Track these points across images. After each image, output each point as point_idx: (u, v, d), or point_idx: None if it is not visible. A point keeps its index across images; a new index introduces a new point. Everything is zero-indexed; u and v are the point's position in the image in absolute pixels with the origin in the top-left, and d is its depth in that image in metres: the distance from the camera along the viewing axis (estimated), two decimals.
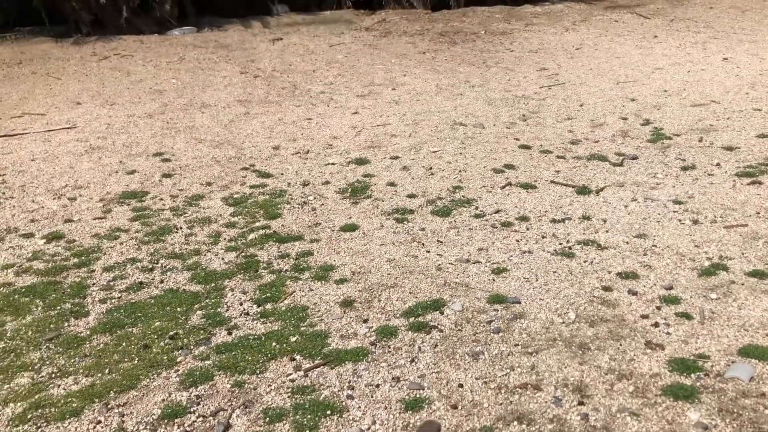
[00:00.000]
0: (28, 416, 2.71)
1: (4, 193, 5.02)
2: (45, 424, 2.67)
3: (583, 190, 4.83)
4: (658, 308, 3.35)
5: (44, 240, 4.31)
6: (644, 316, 3.28)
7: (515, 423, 2.57)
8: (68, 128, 6.45)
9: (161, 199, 4.90)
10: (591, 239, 4.11)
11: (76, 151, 5.85)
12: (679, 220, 4.32)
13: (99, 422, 2.67)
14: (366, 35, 10.30)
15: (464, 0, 11.76)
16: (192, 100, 7.31)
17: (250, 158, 5.66)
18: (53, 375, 2.99)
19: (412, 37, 10.13)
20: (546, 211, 4.53)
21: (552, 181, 5.02)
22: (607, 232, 4.21)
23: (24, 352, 3.17)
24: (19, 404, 2.79)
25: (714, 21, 10.67)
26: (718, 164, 5.21)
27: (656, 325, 3.21)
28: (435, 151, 5.68)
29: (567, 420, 2.57)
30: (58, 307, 3.54)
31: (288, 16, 11.26)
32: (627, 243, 4.05)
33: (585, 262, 3.84)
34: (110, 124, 6.54)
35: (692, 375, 2.81)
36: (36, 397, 2.83)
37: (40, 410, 2.74)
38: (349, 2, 11.54)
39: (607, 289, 3.54)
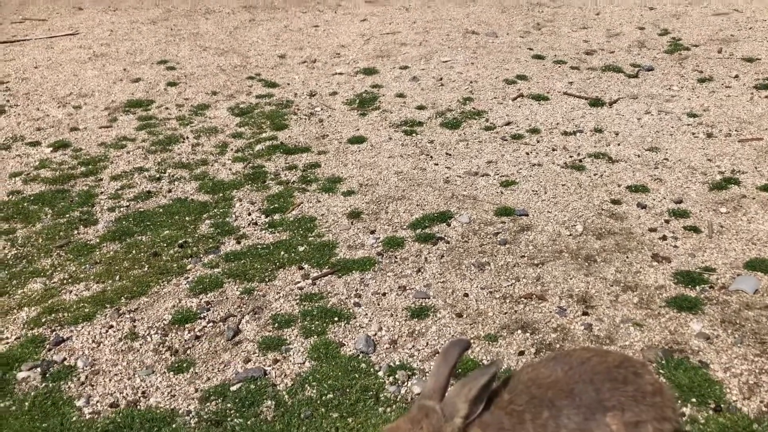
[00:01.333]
0: (42, 320, 2.77)
1: (8, 101, 4.97)
2: (59, 327, 2.73)
3: (596, 102, 4.73)
4: (667, 222, 3.33)
5: (51, 148, 4.30)
6: (652, 230, 3.27)
7: (519, 331, 2.61)
8: (71, 34, 6.31)
9: (167, 108, 4.84)
10: (602, 152, 4.05)
11: (79, 58, 5.74)
12: (693, 134, 4.24)
13: (111, 327, 2.73)
14: None
15: None
16: (195, 5, 7.10)
17: (255, 67, 5.55)
18: (65, 281, 3.04)
19: None
20: (557, 124, 4.45)
21: (565, 93, 4.91)
22: (618, 145, 4.14)
23: (35, 258, 3.21)
24: (33, 308, 2.85)
25: None
26: (736, 76, 5.06)
27: (664, 238, 3.20)
28: (446, 61, 5.54)
29: (571, 329, 2.61)
30: (67, 215, 3.56)
31: None
32: (638, 156, 3.99)
33: (595, 175, 3.80)
34: (113, 30, 6.39)
35: (697, 287, 2.82)
36: (49, 302, 2.89)
37: (53, 314, 2.80)
38: None
39: (616, 202, 3.52)
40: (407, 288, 2.90)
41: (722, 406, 2.21)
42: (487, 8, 6.84)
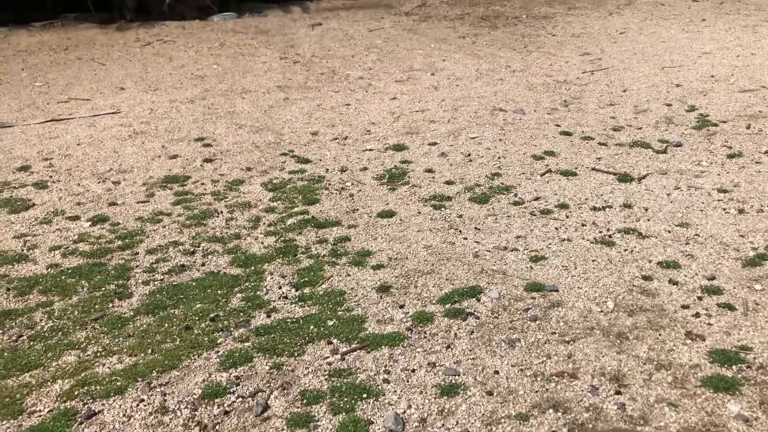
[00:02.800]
0: (75, 393, 2.80)
1: (51, 177, 5.16)
2: (91, 400, 2.75)
3: (624, 178, 4.75)
4: (700, 298, 3.29)
5: (90, 222, 4.43)
6: (685, 307, 3.22)
7: (551, 410, 2.56)
8: (113, 113, 6.58)
9: (202, 184, 4.98)
10: (632, 228, 4.05)
11: (120, 135, 5.97)
12: (724, 209, 4.22)
13: (142, 400, 2.74)
14: (405, 20, 10.25)
15: None
16: (232, 85, 7.39)
17: (289, 144, 5.71)
18: (98, 354, 3.08)
19: (452, 22, 10.05)
20: (586, 199, 4.47)
21: (593, 168, 4.94)
22: (648, 220, 4.14)
23: (71, 331, 3.27)
24: (66, 381, 2.89)
25: (765, 4, 10.32)
26: (766, 152, 5.06)
27: (697, 315, 3.15)
28: (474, 138, 5.64)
29: (603, 409, 2.56)
30: (103, 288, 3.64)
31: (327, 1, 11.27)
32: (669, 232, 3.98)
33: (625, 250, 3.79)
34: (153, 109, 6.66)
35: (733, 367, 2.76)
36: (82, 374, 2.93)
37: (86, 387, 2.83)
38: None
39: (647, 278, 3.49)
40: (437, 364, 2.89)
41: None
42: (515, 86, 7.00)
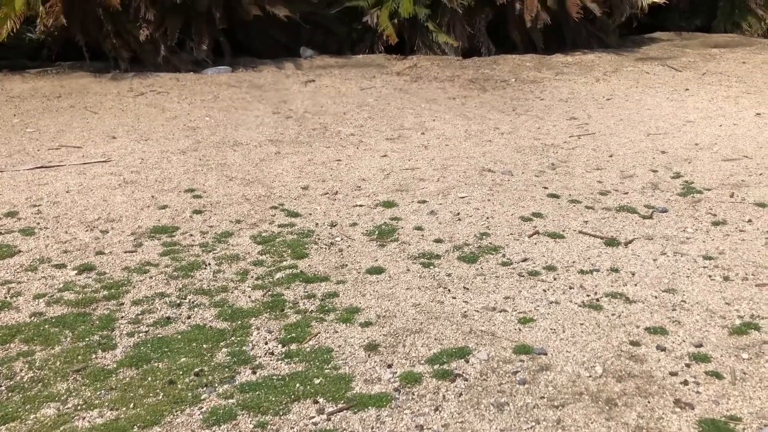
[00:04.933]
0: None
1: (38, 224, 5.13)
2: None
3: (611, 242, 4.80)
4: (688, 366, 3.29)
5: (76, 271, 4.39)
6: (673, 374, 3.22)
7: None
8: (103, 162, 6.59)
9: (191, 235, 4.97)
10: (619, 292, 4.07)
11: (110, 184, 5.97)
12: (710, 276, 4.27)
13: None
14: (397, 79, 10.45)
15: (495, 48, 11.90)
16: (225, 138, 7.45)
17: (279, 197, 5.73)
18: (79, 407, 3.01)
19: (442, 83, 10.26)
20: (574, 262, 4.50)
21: (580, 232, 5.00)
22: (635, 285, 4.16)
23: (51, 382, 3.20)
24: None
25: (746, 76, 10.66)
26: (749, 221, 5.15)
27: (685, 383, 3.15)
28: (463, 197, 5.70)
29: None
30: (87, 339, 3.58)
31: (321, 58, 11.48)
32: (656, 297, 4.00)
33: (613, 315, 3.80)
34: (144, 159, 6.69)
35: None
36: (61, 428, 2.85)
37: None
38: (381, 47, 11.74)
39: (635, 343, 3.49)
40: (425, 428, 2.85)
41: None
42: (503, 148, 7.12)
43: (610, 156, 6.80)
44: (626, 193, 5.77)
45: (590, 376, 3.20)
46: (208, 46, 10.61)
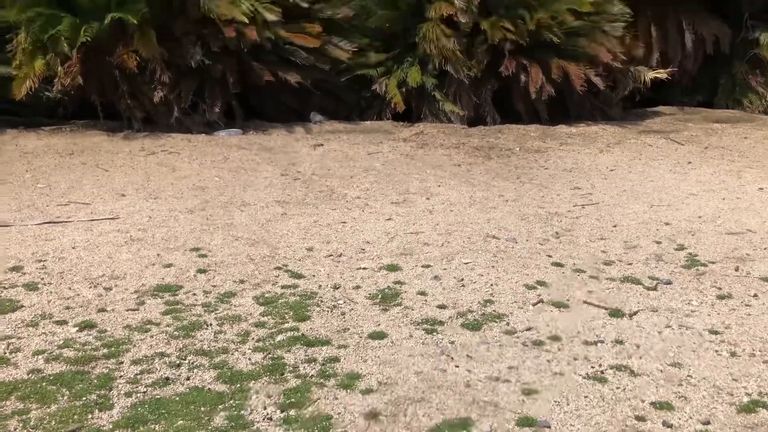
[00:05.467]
0: None
1: (42, 279, 5.14)
2: None
3: (616, 313, 4.77)
4: None
5: (77, 328, 4.37)
6: None
7: None
8: (111, 219, 6.65)
9: (194, 294, 4.96)
10: (624, 364, 4.02)
11: (116, 241, 6.00)
12: (716, 351, 4.22)
13: None
14: (403, 145, 10.61)
15: (500, 117, 12.11)
16: (232, 198, 7.53)
17: (284, 258, 5.74)
18: None
19: (448, 150, 10.41)
20: (578, 332, 4.47)
21: (585, 302, 4.97)
22: (640, 358, 4.12)
23: None
24: None
25: (748, 151, 10.79)
26: (755, 295, 5.12)
27: None
28: (467, 263, 5.70)
29: None
30: (84, 398, 3.54)
31: (330, 124, 11.69)
32: (661, 371, 3.95)
33: (618, 388, 3.75)
34: (152, 217, 6.74)
35: None
36: None
37: None
38: (389, 114, 11.95)
39: (640, 418, 3.43)
40: None
41: None
42: (508, 215, 7.16)
43: (614, 226, 6.82)
44: (630, 264, 5.77)
45: None
46: (221, 109, 10.83)
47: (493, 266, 5.65)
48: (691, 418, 3.45)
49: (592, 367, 3.99)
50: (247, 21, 10.17)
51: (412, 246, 6.11)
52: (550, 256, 5.91)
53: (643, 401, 3.60)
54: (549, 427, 3.34)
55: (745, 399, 3.64)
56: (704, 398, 3.65)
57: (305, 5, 11.04)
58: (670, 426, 3.36)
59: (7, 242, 5.90)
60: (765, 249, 6.16)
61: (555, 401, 3.59)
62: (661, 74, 12.80)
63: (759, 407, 3.55)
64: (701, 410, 3.53)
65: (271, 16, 10.52)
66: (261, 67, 10.77)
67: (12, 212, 6.78)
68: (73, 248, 5.80)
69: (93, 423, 3.32)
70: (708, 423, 3.40)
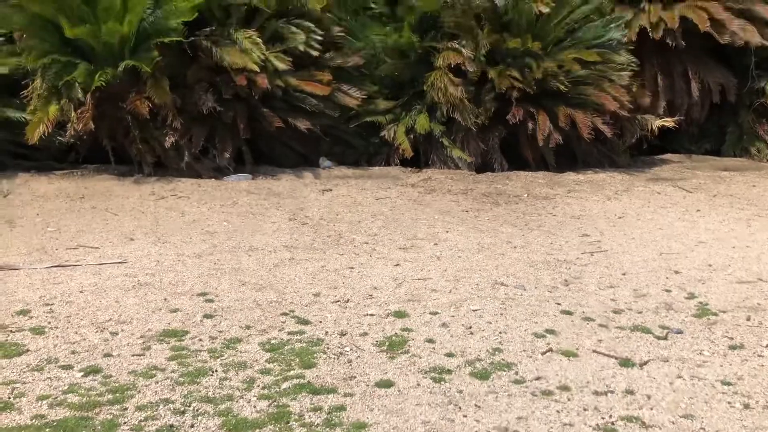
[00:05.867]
0: None
1: (49, 323, 5.13)
2: None
3: (626, 362, 4.71)
4: None
5: (82, 373, 4.34)
6: None
7: None
8: (119, 263, 6.67)
9: (200, 340, 4.94)
10: (635, 415, 3.95)
11: (123, 285, 6.01)
12: (729, 403, 4.14)
13: None
14: (411, 191, 10.66)
15: (508, 164, 12.18)
16: (240, 243, 7.55)
17: (290, 303, 5.72)
18: None
19: (455, 196, 10.44)
20: (588, 382, 4.40)
21: (594, 351, 4.91)
22: (651, 409, 4.04)
23: None
24: None
25: (757, 199, 10.78)
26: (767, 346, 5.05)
27: None
28: (475, 310, 5.66)
29: None
30: None
31: (339, 169, 11.79)
32: (673, 423, 3.88)
33: None
34: (160, 261, 6.76)
35: None
36: None
37: None
38: (397, 160, 12.05)
39: None
40: None
41: None
42: (516, 262, 7.14)
43: (623, 274, 6.78)
44: (640, 313, 5.71)
45: None
46: (231, 155, 10.95)
47: (501, 314, 5.60)
48: None
49: (603, 418, 3.91)
50: (258, 69, 10.36)
51: (420, 292, 6.09)
52: (559, 304, 5.87)
53: None
54: None
55: None
56: None
57: (315, 54, 11.24)
58: None
59: (15, 286, 5.92)
60: None
61: None
62: (668, 122, 12.90)
63: None
64: None
65: (281, 65, 10.71)
66: (271, 114, 10.92)
67: (21, 255, 6.82)
68: (81, 292, 5.81)
69: None
70: None
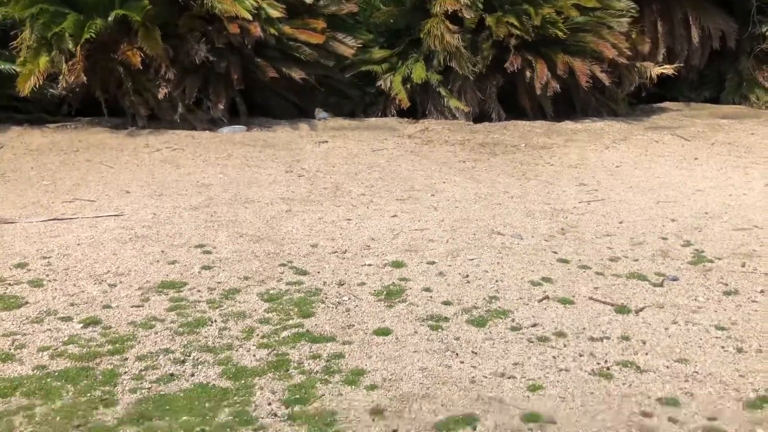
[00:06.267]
0: None
1: (47, 276, 5.14)
2: None
3: (622, 309, 4.75)
4: None
5: (81, 324, 4.37)
6: None
7: None
8: (115, 216, 6.65)
9: (198, 291, 4.96)
10: (630, 360, 4.00)
11: (120, 238, 6.00)
12: (722, 347, 4.19)
13: None
14: (408, 142, 10.59)
15: (505, 114, 12.08)
16: (237, 195, 7.52)
17: (288, 254, 5.73)
18: None
19: (453, 147, 10.38)
20: (584, 328, 4.44)
21: (590, 298, 4.95)
22: (646, 354, 4.09)
23: None
24: None
25: (755, 146, 10.74)
26: (762, 291, 5.09)
27: None
28: (472, 259, 5.68)
29: None
30: (89, 394, 3.54)
31: (334, 120, 11.68)
32: (667, 367, 3.93)
33: (623, 384, 3.73)
34: (156, 214, 6.74)
35: None
36: None
37: None
38: (394, 111, 11.94)
39: (646, 414, 3.41)
40: None
41: None
42: (513, 211, 7.14)
43: (620, 222, 6.79)
44: (636, 260, 5.74)
45: None
46: (225, 106, 10.83)
47: (498, 263, 5.62)
48: (697, 414, 3.43)
49: (598, 364, 3.96)
50: (250, 17, 10.16)
51: (417, 243, 6.10)
52: (555, 253, 5.89)
53: (649, 397, 3.58)
54: (555, 422, 3.32)
55: (752, 395, 3.62)
56: (710, 394, 3.62)
57: (309, 1, 11.01)
58: (676, 422, 3.34)
59: (12, 239, 5.91)
60: None
61: (560, 397, 3.57)
62: (668, 70, 12.75)
63: (765, 403, 3.53)
64: (707, 406, 3.50)
65: (274, 13, 10.51)
66: (265, 64, 10.76)
67: (17, 209, 6.80)
68: (78, 245, 5.80)
69: (98, 419, 3.32)
70: (714, 419, 3.38)
